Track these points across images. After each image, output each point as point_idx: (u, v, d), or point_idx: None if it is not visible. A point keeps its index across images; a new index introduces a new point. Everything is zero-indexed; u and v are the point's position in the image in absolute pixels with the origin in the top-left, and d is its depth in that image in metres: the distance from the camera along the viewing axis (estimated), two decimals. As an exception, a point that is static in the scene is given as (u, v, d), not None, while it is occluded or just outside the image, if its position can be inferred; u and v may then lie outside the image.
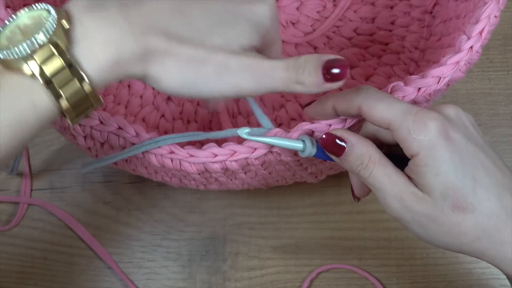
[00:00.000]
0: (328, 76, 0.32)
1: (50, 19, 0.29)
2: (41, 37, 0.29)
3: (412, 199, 0.33)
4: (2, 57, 0.29)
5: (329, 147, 0.35)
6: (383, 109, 0.34)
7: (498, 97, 0.59)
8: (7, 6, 0.42)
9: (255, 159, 0.39)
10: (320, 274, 0.55)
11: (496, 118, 0.59)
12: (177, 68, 0.31)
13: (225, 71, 0.32)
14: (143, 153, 0.40)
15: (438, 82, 0.38)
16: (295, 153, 0.39)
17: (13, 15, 0.30)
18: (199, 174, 0.41)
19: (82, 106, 0.30)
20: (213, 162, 0.39)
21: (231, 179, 0.45)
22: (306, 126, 0.37)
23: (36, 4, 0.30)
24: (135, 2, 0.30)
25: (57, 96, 0.29)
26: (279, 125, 0.56)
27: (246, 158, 0.39)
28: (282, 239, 0.56)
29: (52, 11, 0.29)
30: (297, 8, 0.59)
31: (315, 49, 0.57)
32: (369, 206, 0.56)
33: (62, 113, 0.30)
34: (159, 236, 0.56)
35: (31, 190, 0.57)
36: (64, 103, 0.29)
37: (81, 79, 0.29)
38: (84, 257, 0.56)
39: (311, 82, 0.32)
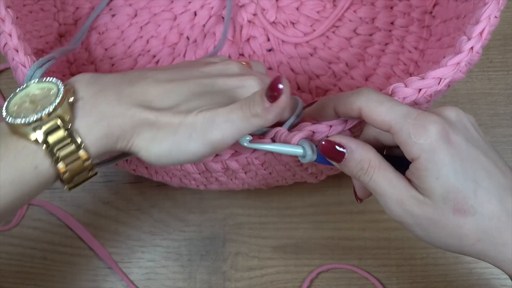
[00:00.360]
0: (271, 98, 0.33)
1: (58, 94, 0.33)
2: (49, 110, 0.32)
3: (413, 203, 0.33)
4: (10, 122, 0.32)
5: (329, 153, 0.35)
6: (384, 112, 0.34)
7: (498, 97, 0.59)
8: (7, 7, 0.42)
9: (256, 158, 0.39)
10: (320, 274, 0.55)
11: (496, 118, 0.59)
12: (155, 140, 0.34)
13: (194, 131, 0.34)
14: None
15: (439, 83, 0.38)
16: None
17: (23, 85, 0.35)
18: (199, 173, 0.41)
19: (78, 176, 0.33)
20: (213, 162, 0.39)
21: (231, 179, 0.45)
22: (307, 127, 0.37)
23: (48, 77, 0.35)
24: (129, 84, 0.34)
25: (56, 161, 0.32)
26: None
27: (246, 157, 0.39)
28: (282, 239, 0.56)
29: (61, 87, 0.33)
30: (297, 8, 0.58)
31: (315, 49, 0.57)
32: (369, 206, 0.56)
33: (60, 178, 0.33)
34: (159, 236, 0.56)
35: (31, 190, 0.57)
36: (61, 167, 0.32)
37: (78, 148, 0.32)
38: (84, 257, 0.56)
39: (262, 110, 0.33)
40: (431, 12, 0.57)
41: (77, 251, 0.56)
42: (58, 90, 0.33)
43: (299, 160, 0.41)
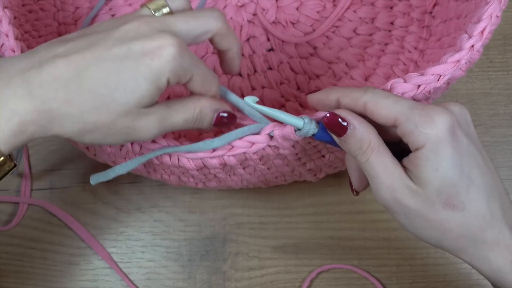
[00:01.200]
0: (219, 124, 0.38)
1: None
2: None
3: (404, 192, 0.34)
4: None
5: (332, 126, 0.35)
6: (390, 105, 0.34)
7: (498, 97, 0.59)
8: (5, 7, 0.42)
9: (253, 153, 0.39)
10: (320, 274, 0.55)
11: (496, 118, 0.59)
12: (87, 134, 0.34)
13: (131, 133, 0.35)
14: (141, 149, 0.41)
15: (438, 80, 0.38)
16: (293, 145, 0.39)
17: None
18: (197, 170, 0.41)
19: None
20: (211, 158, 0.40)
21: (229, 175, 0.45)
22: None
23: None
24: (36, 68, 0.32)
25: None
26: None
27: (244, 153, 0.39)
28: (282, 239, 0.56)
29: None
30: (297, 8, 0.59)
31: (315, 49, 0.57)
32: (369, 206, 0.56)
33: None
34: (159, 236, 0.56)
35: (31, 190, 0.57)
36: None
37: None
38: (84, 257, 0.56)
39: (207, 127, 0.38)
40: (431, 12, 0.57)
41: (77, 251, 0.56)
42: None
43: (297, 154, 0.41)
